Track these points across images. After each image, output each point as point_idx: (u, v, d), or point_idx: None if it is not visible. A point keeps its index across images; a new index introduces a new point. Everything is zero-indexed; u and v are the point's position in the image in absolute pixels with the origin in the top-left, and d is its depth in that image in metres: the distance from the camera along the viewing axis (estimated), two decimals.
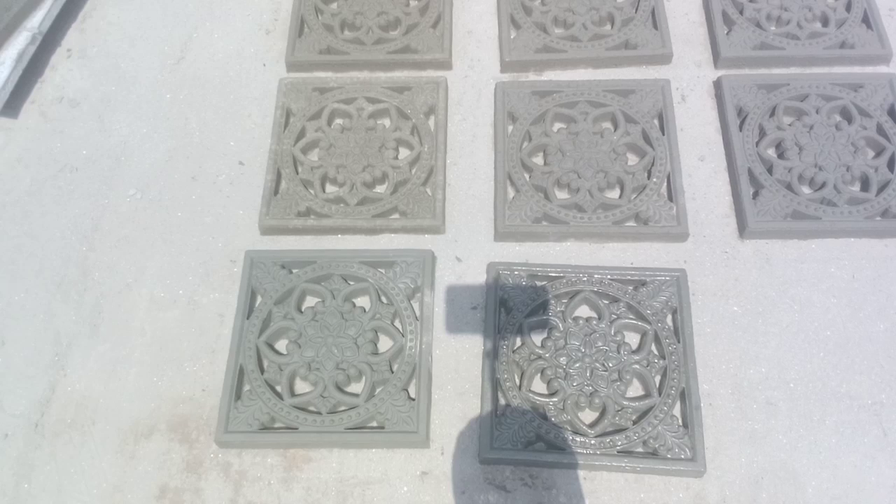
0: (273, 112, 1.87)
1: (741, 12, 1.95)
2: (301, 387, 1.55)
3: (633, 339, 1.57)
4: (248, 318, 1.58)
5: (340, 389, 1.51)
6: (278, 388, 1.51)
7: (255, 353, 1.54)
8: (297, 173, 1.78)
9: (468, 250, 1.70)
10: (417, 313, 1.58)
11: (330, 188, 1.79)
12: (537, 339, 1.56)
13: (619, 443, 1.43)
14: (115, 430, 1.53)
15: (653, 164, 1.75)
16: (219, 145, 1.87)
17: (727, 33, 1.93)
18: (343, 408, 1.50)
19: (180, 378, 1.57)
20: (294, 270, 1.64)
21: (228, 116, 1.91)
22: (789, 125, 1.79)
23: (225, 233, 1.75)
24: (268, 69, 1.99)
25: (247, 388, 1.52)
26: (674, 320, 1.58)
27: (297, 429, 1.47)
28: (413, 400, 1.49)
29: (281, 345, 1.59)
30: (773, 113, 1.81)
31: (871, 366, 1.53)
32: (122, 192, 1.82)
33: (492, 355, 1.52)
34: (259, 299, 1.62)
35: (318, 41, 1.97)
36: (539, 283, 1.61)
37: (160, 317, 1.65)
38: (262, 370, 1.53)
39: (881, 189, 1.69)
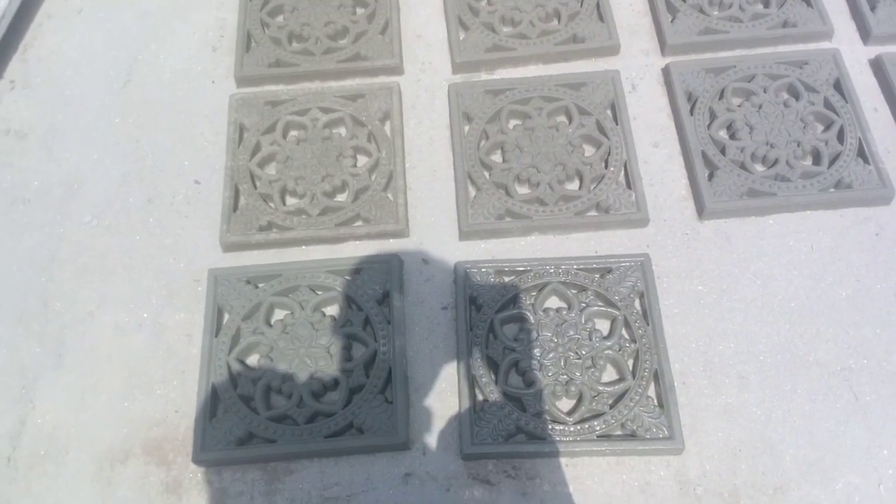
0: (226, 129, 1.85)
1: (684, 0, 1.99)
2: (277, 400, 1.52)
3: (603, 326, 1.58)
4: (216, 337, 1.56)
5: (317, 399, 1.50)
6: (253, 404, 1.49)
7: (226, 370, 1.52)
8: (256, 188, 1.76)
9: (434, 252, 1.70)
10: (388, 318, 1.57)
11: (290, 200, 1.78)
12: (510, 333, 1.56)
13: (598, 427, 1.44)
14: (90, 459, 1.49)
15: (609, 154, 1.77)
16: (173, 166, 1.85)
17: (671, 21, 1.97)
18: (321, 417, 1.48)
19: (152, 401, 1.54)
20: (260, 285, 1.62)
21: (180, 136, 1.89)
22: (738, 106, 1.83)
23: (186, 253, 1.72)
24: (217, 86, 1.97)
25: (221, 405, 1.49)
26: (641, 304, 1.59)
27: (275, 441, 1.45)
28: (391, 403, 1.48)
29: (252, 360, 1.57)
30: (721, 95, 1.85)
31: (836, 333, 1.57)
32: (77, 220, 1.78)
33: (466, 353, 1.52)
34: (226, 316, 1.60)
35: (267, 54, 1.96)
36: (507, 279, 1.62)
37: (126, 342, 1.61)
38: (234, 387, 1.51)
39: (832, 161, 1.74)
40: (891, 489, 1.41)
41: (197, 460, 1.45)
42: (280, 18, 2.05)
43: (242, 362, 1.55)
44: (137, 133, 1.90)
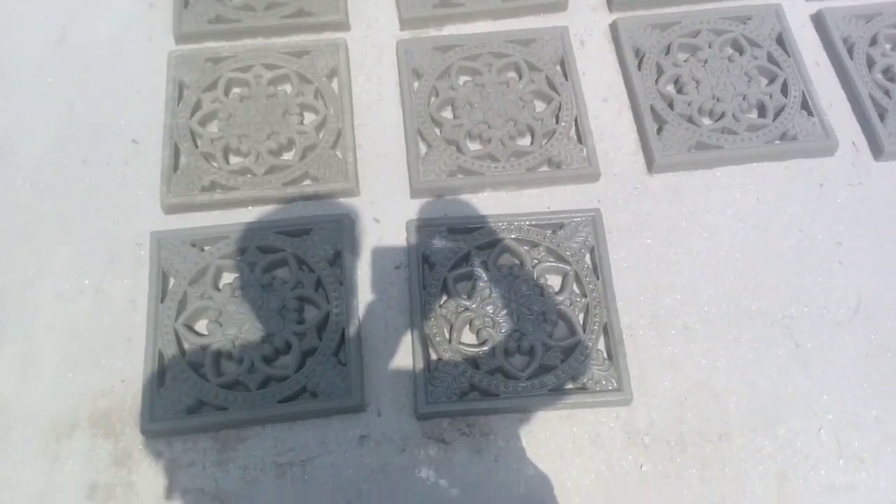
0: (164, 87, 1.78)
1: None
2: (227, 366, 1.50)
3: (555, 281, 1.59)
4: (161, 302, 1.52)
5: (268, 363, 1.48)
6: (203, 371, 1.46)
7: (173, 337, 1.48)
8: (197, 147, 1.70)
9: (386, 210, 1.68)
10: (340, 278, 1.55)
11: (234, 159, 1.72)
12: (463, 290, 1.56)
13: (550, 382, 1.46)
14: (35, 433, 1.46)
15: (560, 109, 1.76)
16: (109, 125, 1.77)
17: None
18: (273, 382, 1.46)
19: (97, 371, 1.50)
20: (206, 248, 1.58)
21: (117, 95, 1.81)
22: (685, 61, 1.83)
23: (126, 215, 1.66)
24: (155, 43, 1.88)
25: (169, 373, 1.46)
26: (592, 258, 1.61)
27: (227, 409, 1.43)
28: (344, 365, 1.47)
29: (201, 325, 1.54)
30: (668, 51, 1.85)
31: (779, 282, 1.61)
32: (10, 183, 1.70)
33: (419, 312, 1.52)
34: (172, 281, 1.55)
35: (206, 10, 1.88)
36: (460, 236, 1.61)
37: (68, 310, 1.56)
38: (183, 354, 1.47)
39: (777, 114, 1.77)
40: (830, 433, 1.47)
41: (145, 431, 1.43)
42: None
43: (190, 328, 1.51)
44: (72, 93, 1.82)
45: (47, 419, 1.47)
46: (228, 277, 1.58)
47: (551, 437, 1.45)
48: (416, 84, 1.81)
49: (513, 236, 1.61)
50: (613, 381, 1.47)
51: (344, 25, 1.91)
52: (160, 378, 1.46)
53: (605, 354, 1.51)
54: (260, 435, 1.45)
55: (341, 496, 1.41)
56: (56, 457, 1.44)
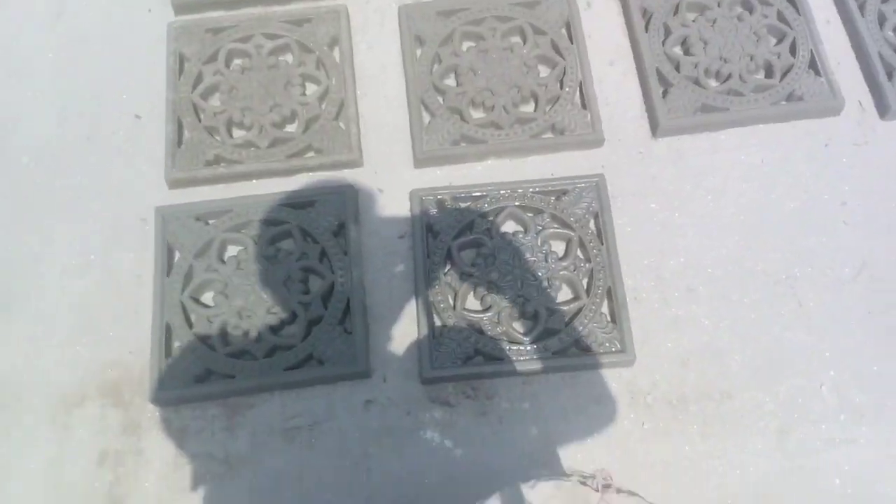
0: (165, 59, 1.77)
1: None
2: (234, 337, 1.51)
3: (559, 247, 1.59)
4: (168, 276, 1.53)
5: (275, 333, 1.49)
6: (210, 342, 1.48)
7: (180, 309, 1.50)
8: (200, 121, 1.70)
9: (389, 180, 1.68)
10: (345, 249, 1.56)
11: (237, 133, 1.72)
12: (467, 258, 1.57)
13: (554, 345, 1.47)
14: (45, 404, 1.49)
15: (564, 74, 1.74)
16: (111, 101, 1.77)
17: None
18: (279, 350, 1.48)
19: (105, 343, 1.53)
20: (210, 221, 1.59)
21: (118, 69, 1.81)
22: (693, 21, 1.80)
23: (131, 191, 1.67)
24: (154, 14, 1.87)
25: (176, 344, 1.49)
26: (596, 224, 1.60)
27: (234, 377, 1.45)
28: (350, 334, 1.48)
29: (207, 297, 1.55)
30: (676, 11, 1.81)
31: (783, 243, 1.60)
32: (14, 161, 1.71)
33: (424, 280, 1.53)
34: (177, 255, 1.57)
35: None
36: (463, 205, 1.61)
37: (75, 285, 1.58)
38: (190, 325, 1.49)
39: (784, 74, 1.73)
40: (832, 389, 1.48)
41: (154, 399, 1.45)
42: None
43: (197, 300, 1.53)
44: (73, 68, 1.82)
45: (57, 390, 1.50)
46: (233, 250, 1.59)
47: (555, 399, 1.47)
48: (418, 51, 1.79)
49: (517, 203, 1.60)
50: (616, 342, 1.48)
51: None
52: (168, 349, 1.48)
53: (608, 317, 1.51)
54: (268, 402, 1.47)
55: (348, 458, 1.43)
56: (66, 426, 1.47)
